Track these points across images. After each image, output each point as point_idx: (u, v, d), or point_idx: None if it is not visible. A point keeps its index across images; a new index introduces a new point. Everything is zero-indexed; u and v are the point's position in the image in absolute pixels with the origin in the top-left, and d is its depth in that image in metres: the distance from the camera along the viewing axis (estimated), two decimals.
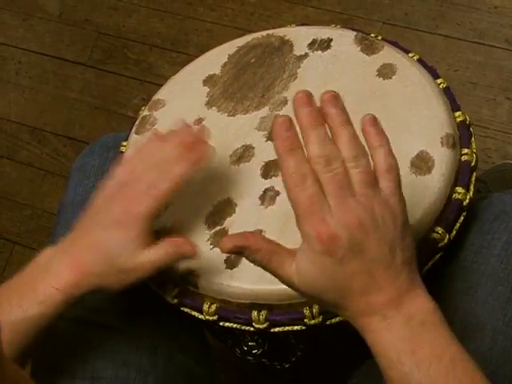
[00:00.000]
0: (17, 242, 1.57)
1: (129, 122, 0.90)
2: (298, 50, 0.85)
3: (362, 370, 0.77)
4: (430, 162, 0.71)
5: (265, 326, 0.70)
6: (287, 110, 0.80)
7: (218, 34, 1.61)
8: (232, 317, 0.71)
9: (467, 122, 0.76)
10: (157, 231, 0.74)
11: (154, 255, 0.67)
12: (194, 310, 0.73)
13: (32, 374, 0.79)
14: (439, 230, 0.69)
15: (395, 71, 0.79)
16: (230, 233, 0.72)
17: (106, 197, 0.69)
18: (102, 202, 0.69)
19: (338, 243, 0.56)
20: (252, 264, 0.66)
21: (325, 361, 0.90)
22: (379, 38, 0.84)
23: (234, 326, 0.71)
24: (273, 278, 0.67)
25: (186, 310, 0.73)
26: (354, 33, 0.84)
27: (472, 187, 0.72)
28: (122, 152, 0.84)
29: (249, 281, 0.69)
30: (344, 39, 0.84)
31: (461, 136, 0.75)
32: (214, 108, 0.83)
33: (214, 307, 0.71)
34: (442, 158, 0.71)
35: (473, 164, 0.73)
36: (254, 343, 0.79)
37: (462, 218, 0.71)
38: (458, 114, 0.76)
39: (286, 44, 0.86)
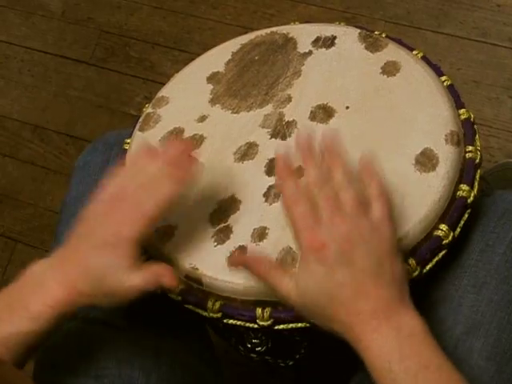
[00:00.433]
0: (19, 240, 1.57)
1: (131, 121, 0.90)
2: (302, 48, 0.85)
3: (366, 368, 0.77)
4: (434, 159, 0.71)
5: (269, 323, 0.69)
6: (291, 108, 0.80)
7: (221, 33, 1.61)
8: (236, 314, 0.71)
9: (471, 120, 0.76)
10: (159, 229, 0.74)
11: (138, 280, 0.66)
12: (198, 308, 0.72)
13: (35, 372, 0.79)
14: (443, 227, 0.69)
15: (399, 69, 0.79)
16: (234, 229, 0.72)
17: (96, 213, 0.68)
18: (93, 218, 0.68)
19: (327, 251, 0.62)
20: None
21: (329, 358, 0.90)
22: (383, 35, 0.84)
23: (238, 323, 0.71)
24: None
25: (189, 307, 0.73)
26: (358, 30, 0.84)
27: (476, 184, 0.72)
28: (126, 149, 0.84)
29: (253, 278, 0.69)
30: (348, 37, 0.84)
31: (465, 133, 0.75)
32: (217, 105, 0.83)
33: (218, 304, 0.71)
34: (447, 156, 0.71)
35: (477, 161, 0.73)
36: (258, 341, 0.79)
37: (466, 215, 0.71)
38: (462, 111, 0.76)
39: (289, 41, 0.86)
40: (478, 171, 0.73)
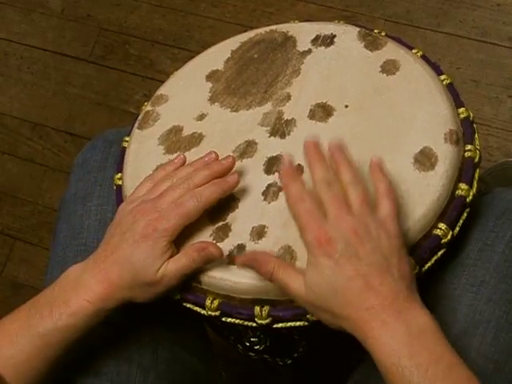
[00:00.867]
0: (18, 237, 1.57)
1: (130, 118, 0.90)
2: (302, 46, 0.85)
3: (364, 366, 0.77)
4: (433, 158, 0.71)
5: (267, 321, 0.69)
6: (290, 106, 0.80)
7: (220, 31, 1.61)
8: (234, 312, 0.71)
9: (471, 119, 0.76)
10: None
11: (179, 262, 0.69)
12: (197, 306, 0.72)
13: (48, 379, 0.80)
14: (442, 226, 0.69)
15: (399, 67, 0.79)
16: (232, 227, 0.72)
17: (129, 212, 0.71)
18: (127, 217, 0.71)
19: (334, 246, 0.62)
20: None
21: (327, 357, 0.90)
22: (383, 33, 0.83)
23: (237, 321, 0.71)
24: None
25: (188, 305, 0.73)
26: (358, 29, 0.84)
27: (475, 184, 0.72)
28: (124, 147, 0.84)
29: (251, 276, 0.69)
30: (347, 35, 0.84)
31: (464, 132, 0.75)
32: (216, 103, 0.83)
33: (216, 302, 0.71)
34: (446, 155, 0.71)
35: (476, 160, 0.73)
36: (257, 339, 0.79)
37: (465, 214, 0.71)
38: (461, 110, 0.76)
39: (289, 40, 0.86)
40: (477, 170, 0.73)
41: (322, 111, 0.78)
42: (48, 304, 0.68)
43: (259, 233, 0.71)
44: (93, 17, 1.72)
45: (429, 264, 0.70)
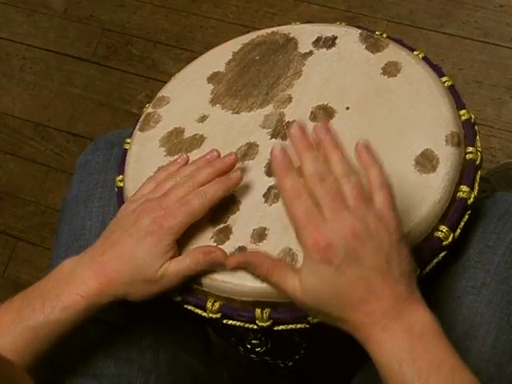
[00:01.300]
0: (20, 237, 1.57)
1: (133, 119, 0.90)
2: (303, 48, 0.85)
3: (366, 369, 0.77)
4: (434, 160, 0.71)
5: (268, 323, 0.69)
6: (291, 108, 0.80)
7: (223, 31, 1.61)
8: (235, 314, 0.71)
9: (472, 121, 0.76)
10: None
11: (180, 265, 0.69)
12: (198, 308, 0.72)
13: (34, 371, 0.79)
14: (443, 228, 0.69)
15: (400, 69, 0.79)
16: (233, 230, 0.72)
17: (133, 211, 0.71)
18: (130, 215, 0.71)
19: (333, 251, 0.59)
20: None
21: (328, 359, 0.90)
22: (384, 35, 0.83)
23: (238, 323, 0.71)
24: None
25: (189, 307, 0.73)
26: (359, 31, 0.84)
27: (476, 186, 0.72)
28: (126, 149, 0.84)
29: (252, 278, 0.69)
30: (349, 37, 0.84)
31: (466, 134, 0.74)
32: (218, 105, 0.83)
33: (217, 305, 0.71)
34: (447, 157, 0.71)
35: (477, 163, 0.73)
36: (258, 341, 0.79)
37: (466, 216, 0.71)
38: (462, 112, 0.76)
39: (290, 41, 0.86)
40: (479, 172, 0.73)
41: (324, 113, 0.78)
42: (40, 297, 0.67)
43: (260, 235, 0.71)
44: (95, 17, 1.72)
45: (430, 266, 0.69)
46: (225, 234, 0.72)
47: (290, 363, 0.86)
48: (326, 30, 0.86)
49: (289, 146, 0.64)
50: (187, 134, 0.82)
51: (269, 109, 0.81)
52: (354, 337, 0.61)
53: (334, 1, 1.58)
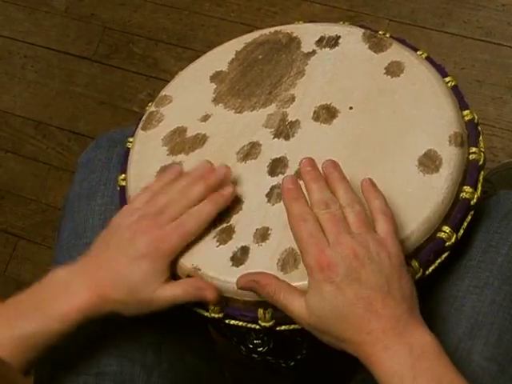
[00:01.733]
0: (21, 236, 1.57)
1: (134, 117, 0.90)
2: (306, 47, 0.85)
3: (367, 369, 0.77)
4: (437, 160, 0.71)
5: (271, 323, 0.69)
6: (294, 107, 0.80)
7: (225, 30, 1.61)
8: (238, 314, 0.71)
9: (475, 121, 0.75)
10: None
11: (174, 291, 0.69)
12: (200, 308, 0.72)
13: (36, 370, 0.79)
14: (446, 229, 0.69)
15: (403, 69, 0.79)
16: (236, 229, 0.72)
17: (128, 227, 0.71)
18: (126, 232, 0.70)
19: (335, 270, 0.61)
20: (258, 262, 0.70)
21: (330, 359, 0.89)
22: (387, 35, 0.83)
23: (240, 323, 0.71)
24: (278, 276, 0.67)
25: (191, 307, 0.73)
26: (362, 30, 0.84)
27: (480, 186, 0.72)
28: (128, 148, 0.84)
29: None
30: (352, 36, 0.84)
31: (469, 135, 0.74)
32: (220, 105, 0.83)
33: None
34: (450, 157, 0.71)
35: (481, 163, 0.73)
36: (260, 341, 0.79)
37: (469, 217, 0.71)
38: (466, 112, 0.76)
39: (293, 41, 0.86)
40: (482, 173, 0.73)
41: (327, 113, 0.78)
42: (33, 307, 0.67)
43: (263, 235, 0.71)
44: (97, 16, 1.72)
45: (432, 267, 0.69)
46: (227, 233, 0.72)
47: (292, 363, 0.85)
48: (329, 29, 0.85)
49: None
50: (190, 134, 0.82)
51: (272, 108, 0.80)
52: (356, 356, 0.62)
53: (336, 0, 1.58)
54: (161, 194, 0.73)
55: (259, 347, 0.79)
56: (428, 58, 0.80)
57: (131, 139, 0.84)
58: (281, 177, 0.74)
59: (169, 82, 0.90)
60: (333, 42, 0.84)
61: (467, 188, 0.71)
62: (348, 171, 0.70)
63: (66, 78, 1.68)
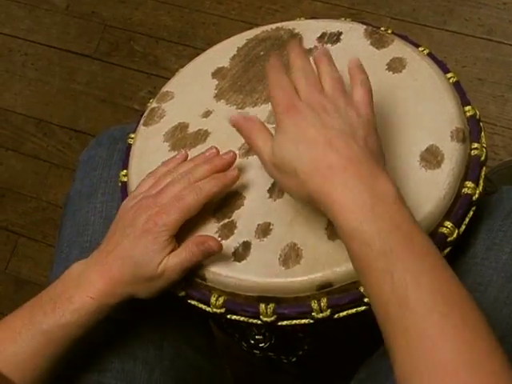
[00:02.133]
0: (21, 234, 1.57)
1: (135, 115, 0.90)
2: (308, 44, 0.84)
3: (370, 365, 0.77)
4: (439, 156, 0.71)
5: (272, 319, 0.69)
6: None
7: (225, 28, 1.61)
8: (239, 309, 0.71)
9: (477, 117, 0.75)
10: None
11: (179, 257, 0.69)
12: (202, 303, 0.72)
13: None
14: (448, 224, 0.69)
15: (405, 65, 0.79)
16: (238, 225, 0.72)
17: (130, 208, 0.71)
18: (128, 213, 0.71)
19: (301, 113, 0.63)
20: (260, 257, 0.70)
21: (332, 355, 0.90)
22: (389, 31, 0.83)
23: (242, 318, 0.71)
24: (280, 271, 0.68)
25: (193, 302, 0.73)
26: (364, 26, 0.84)
27: (481, 182, 0.72)
28: (130, 144, 0.84)
29: (257, 274, 0.69)
30: (354, 33, 0.84)
31: (470, 130, 0.74)
32: (222, 101, 0.83)
33: (221, 300, 0.71)
34: (452, 153, 0.71)
35: (482, 159, 0.73)
36: (261, 337, 0.79)
37: (471, 212, 0.71)
38: (467, 108, 0.76)
39: (295, 37, 0.86)
40: (484, 168, 0.73)
41: None
42: (51, 301, 0.68)
43: (264, 230, 0.71)
44: (97, 13, 1.72)
45: None
46: (229, 228, 0.72)
47: (294, 359, 0.85)
48: (331, 25, 0.85)
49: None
50: (191, 129, 0.82)
51: None
52: (320, 206, 0.61)
53: None
54: (165, 177, 0.74)
55: (260, 343, 0.79)
56: (430, 54, 0.80)
57: (133, 135, 0.84)
58: None
59: (169, 79, 0.90)
60: (334, 38, 0.84)
61: (469, 183, 0.71)
62: None
63: (66, 75, 1.68)
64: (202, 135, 0.81)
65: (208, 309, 0.72)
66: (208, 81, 0.86)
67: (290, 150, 0.62)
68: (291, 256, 0.68)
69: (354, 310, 0.68)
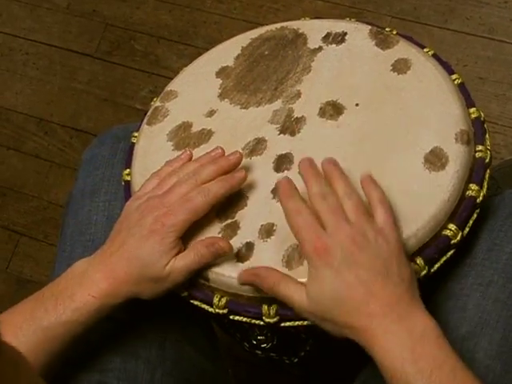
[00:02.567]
0: (23, 233, 1.57)
1: (136, 114, 0.90)
2: (312, 44, 0.84)
3: (372, 367, 0.77)
4: (443, 158, 0.71)
5: (275, 320, 0.69)
6: (300, 104, 0.79)
7: (227, 27, 1.61)
8: (242, 310, 0.71)
9: (482, 119, 0.75)
10: None
11: (186, 259, 0.69)
12: (204, 303, 0.72)
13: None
14: (452, 226, 0.69)
15: (410, 66, 0.79)
16: (241, 225, 0.72)
17: (136, 209, 0.71)
18: (134, 213, 0.71)
19: (332, 254, 0.61)
20: (263, 258, 0.70)
21: (334, 356, 0.89)
22: (394, 32, 0.83)
23: (244, 319, 0.71)
24: (283, 272, 0.67)
25: (196, 302, 0.73)
26: (369, 27, 0.84)
27: (486, 184, 0.72)
28: (133, 143, 0.83)
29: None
30: (359, 33, 0.84)
31: (475, 132, 0.74)
32: (226, 100, 0.83)
33: (224, 300, 0.71)
34: (457, 155, 0.71)
35: (487, 161, 0.73)
36: (263, 337, 0.79)
37: (475, 215, 0.71)
38: (472, 110, 0.75)
39: (299, 37, 0.85)
40: (488, 171, 0.73)
41: (333, 109, 0.78)
42: (53, 298, 0.68)
43: (268, 231, 0.71)
44: (98, 12, 1.71)
45: (438, 264, 0.69)
46: (232, 229, 0.72)
47: (296, 359, 0.85)
48: (336, 25, 0.85)
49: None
50: (195, 129, 0.81)
51: (277, 104, 0.80)
52: (358, 342, 0.61)
53: None
54: (170, 177, 0.73)
55: (263, 343, 0.79)
56: (434, 56, 0.80)
57: (136, 134, 0.84)
58: (286, 173, 0.74)
59: (171, 78, 0.90)
60: (339, 38, 0.84)
61: (473, 186, 0.71)
62: (353, 168, 0.70)
63: (67, 74, 1.67)
64: (205, 134, 0.81)
65: (211, 309, 0.72)
66: (212, 80, 0.85)
67: (327, 300, 0.62)
68: (294, 257, 0.68)
69: None
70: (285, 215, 0.66)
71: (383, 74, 0.79)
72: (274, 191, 0.74)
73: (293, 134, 0.77)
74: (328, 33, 0.85)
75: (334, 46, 0.83)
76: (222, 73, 0.86)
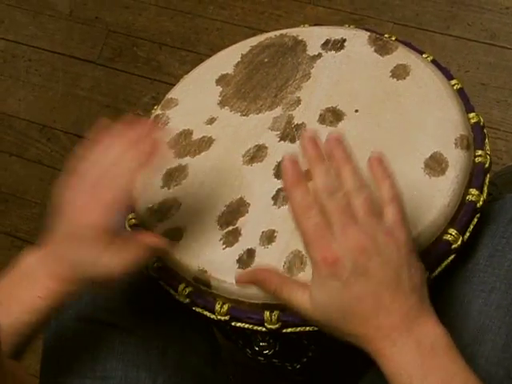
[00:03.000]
0: (26, 239, 1.57)
1: None
2: (312, 50, 0.85)
3: (374, 372, 0.77)
4: (443, 163, 0.71)
5: (277, 326, 0.69)
6: (300, 110, 0.80)
7: (229, 33, 1.61)
8: (244, 317, 0.71)
9: (481, 124, 0.76)
10: (168, 232, 0.74)
11: (124, 258, 0.67)
12: (206, 310, 0.72)
13: (42, 373, 0.79)
14: (452, 231, 0.69)
15: (409, 72, 0.79)
16: (242, 232, 0.72)
17: (66, 205, 0.69)
18: (65, 210, 0.69)
19: (341, 265, 0.59)
20: (265, 264, 0.70)
21: (336, 362, 0.89)
22: (393, 38, 0.83)
23: (246, 326, 0.71)
24: None
25: (197, 309, 0.73)
26: (368, 33, 0.84)
27: (486, 189, 0.72)
28: None
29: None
30: (358, 39, 0.84)
31: (475, 137, 0.75)
32: (226, 107, 0.83)
33: (226, 307, 0.71)
34: (456, 160, 0.71)
35: (487, 166, 0.73)
36: (266, 344, 0.79)
37: (475, 220, 0.71)
38: (472, 115, 0.76)
39: (299, 44, 0.86)
40: (488, 175, 0.73)
41: (332, 116, 0.78)
42: (6, 297, 0.66)
43: (269, 237, 0.71)
44: (101, 19, 1.72)
45: (439, 269, 0.69)
46: (234, 236, 0.72)
47: (298, 366, 0.85)
48: (335, 32, 0.86)
49: (299, 153, 0.64)
50: (195, 136, 0.82)
51: (277, 111, 0.80)
52: (364, 351, 0.60)
53: (340, 3, 1.58)
54: (90, 168, 0.70)
55: (265, 350, 0.79)
56: (433, 61, 0.81)
57: None
58: None
59: (173, 85, 0.90)
60: (338, 44, 0.84)
61: (473, 191, 0.71)
62: None
63: (70, 81, 1.68)
64: (206, 142, 0.81)
65: (212, 316, 0.72)
66: (212, 88, 0.86)
67: (334, 310, 0.61)
68: (295, 263, 0.69)
69: None
70: (291, 207, 0.63)
71: (382, 80, 0.79)
72: (275, 198, 0.74)
73: (293, 140, 0.78)
74: (327, 39, 0.85)
75: (333, 52, 0.84)
76: (222, 80, 0.86)
